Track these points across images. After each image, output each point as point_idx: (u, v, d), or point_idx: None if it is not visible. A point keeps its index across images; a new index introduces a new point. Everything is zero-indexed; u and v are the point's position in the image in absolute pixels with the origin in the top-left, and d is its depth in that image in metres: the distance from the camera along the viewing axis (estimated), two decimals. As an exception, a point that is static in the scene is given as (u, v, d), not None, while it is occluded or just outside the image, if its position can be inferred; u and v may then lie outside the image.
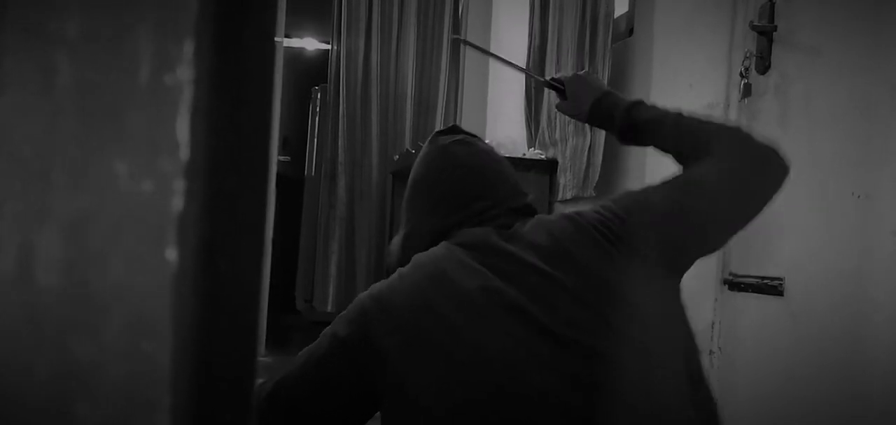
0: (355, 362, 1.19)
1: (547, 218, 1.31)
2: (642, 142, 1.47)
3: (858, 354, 1.84)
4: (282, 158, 5.29)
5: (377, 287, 1.24)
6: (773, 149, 1.37)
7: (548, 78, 1.66)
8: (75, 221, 0.32)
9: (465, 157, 1.37)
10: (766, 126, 2.18)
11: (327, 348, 1.22)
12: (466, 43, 1.87)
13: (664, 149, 1.42)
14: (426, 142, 1.43)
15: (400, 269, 1.25)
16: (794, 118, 2.08)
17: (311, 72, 6.23)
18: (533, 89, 3.73)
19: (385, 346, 1.16)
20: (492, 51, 1.84)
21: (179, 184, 0.32)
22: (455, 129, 1.43)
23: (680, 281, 1.28)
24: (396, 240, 1.41)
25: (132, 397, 0.33)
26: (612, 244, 1.22)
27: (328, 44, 4.90)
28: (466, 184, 1.34)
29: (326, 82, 4.91)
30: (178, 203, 0.32)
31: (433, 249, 1.27)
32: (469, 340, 1.13)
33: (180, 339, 0.34)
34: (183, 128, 0.32)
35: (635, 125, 1.46)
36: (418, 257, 1.26)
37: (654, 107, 1.47)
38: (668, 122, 1.42)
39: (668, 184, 1.32)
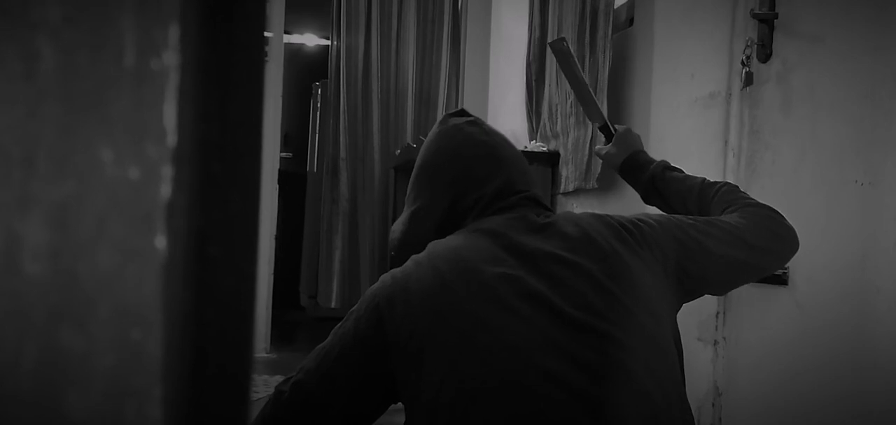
0: (371, 355, 1.18)
1: (574, 213, 1.32)
2: (667, 206, 1.56)
3: (863, 342, 1.83)
4: (284, 155, 5.28)
5: (389, 277, 1.23)
6: (790, 226, 1.45)
7: (608, 120, 1.76)
8: (61, 209, 0.31)
9: (480, 136, 1.36)
10: (768, 114, 2.17)
11: (342, 345, 1.20)
12: (561, 50, 1.86)
13: (687, 211, 1.49)
14: (437, 124, 1.41)
15: (415, 257, 1.24)
16: (797, 106, 2.07)
17: (312, 67, 6.23)
18: (533, 81, 3.72)
19: (400, 337, 1.15)
20: (561, 73, 1.86)
21: (167, 171, 0.31)
22: (465, 112, 1.42)
23: (679, 307, 1.31)
24: (401, 218, 1.39)
25: (122, 387, 0.33)
26: (637, 243, 1.25)
27: (328, 39, 4.90)
28: (482, 164, 1.33)
29: (327, 78, 4.91)
30: (166, 190, 0.32)
31: (451, 237, 1.26)
32: (485, 327, 1.13)
33: (171, 328, 0.34)
34: (169, 114, 0.31)
35: (661, 192, 1.58)
36: (435, 245, 1.25)
37: (679, 177, 1.58)
38: (693, 191, 1.53)
39: (698, 219, 1.39)
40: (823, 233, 1.95)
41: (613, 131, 1.71)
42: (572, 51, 1.87)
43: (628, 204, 2.84)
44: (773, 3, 2.12)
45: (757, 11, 2.13)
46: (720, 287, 1.48)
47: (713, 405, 2.32)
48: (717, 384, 2.31)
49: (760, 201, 1.48)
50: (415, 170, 1.40)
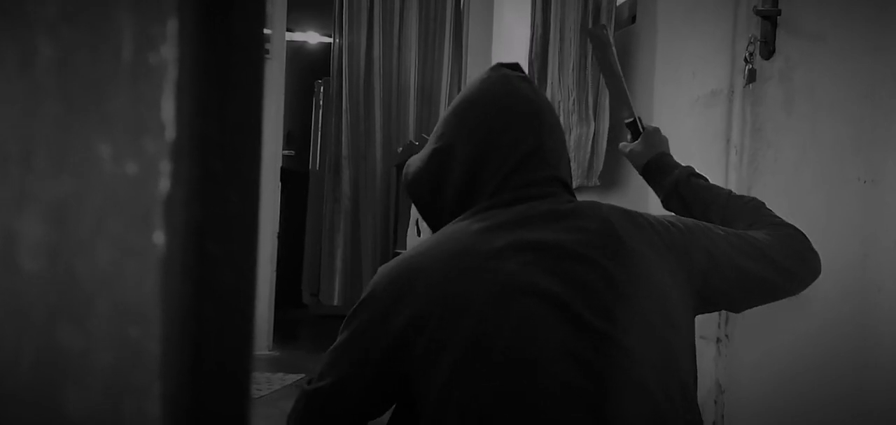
0: (379, 354, 1.15)
1: (601, 205, 1.25)
2: (687, 213, 1.50)
3: (864, 340, 1.83)
4: (286, 152, 5.28)
5: (393, 270, 1.17)
6: (815, 250, 1.41)
7: (638, 117, 1.69)
8: (59, 206, 0.31)
9: (528, 93, 1.26)
10: (770, 112, 2.16)
11: (348, 346, 1.18)
12: (599, 37, 1.77)
13: (707, 220, 1.42)
14: (486, 70, 1.32)
15: (419, 246, 1.19)
16: (799, 103, 2.07)
17: (314, 65, 6.23)
18: (535, 79, 3.72)
19: (407, 334, 1.12)
20: (604, 63, 1.77)
21: (165, 166, 0.31)
22: (518, 66, 1.33)
23: (695, 315, 1.26)
24: (420, 155, 1.31)
25: (121, 385, 0.33)
26: (666, 246, 1.20)
27: (331, 37, 4.90)
28: (522, 121, 1.24)
29: (329, 76, 4.91)
30: (164, 185, 0.32)
31: (461, 225, 1.19)
32: (496, 328, 1.09)
33: (170, 325, 0.33)
34: (168, 109, 0.31)
35: (684, 198, 1.52)
36: (443, 234, 1.18)
37: (705, 185, 1.53)
38: (718, 201, 1.48)
39: (729, 231, 1.33)
40: (825, 231, 1.95)
41: (641, 129, 1.65)
42: (611, 40, 1.78)
43: (630, 202, 2.84)
44: (776, 0, 2.12)
45: (759, 8, 2.13)
46: (740, 303, 1.41)
47: (715, 402, 2.32)
48: (719, 382, 2.31)
49: (786, 220, 1.42)
50: (449, 107, 1.31)
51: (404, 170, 1.34)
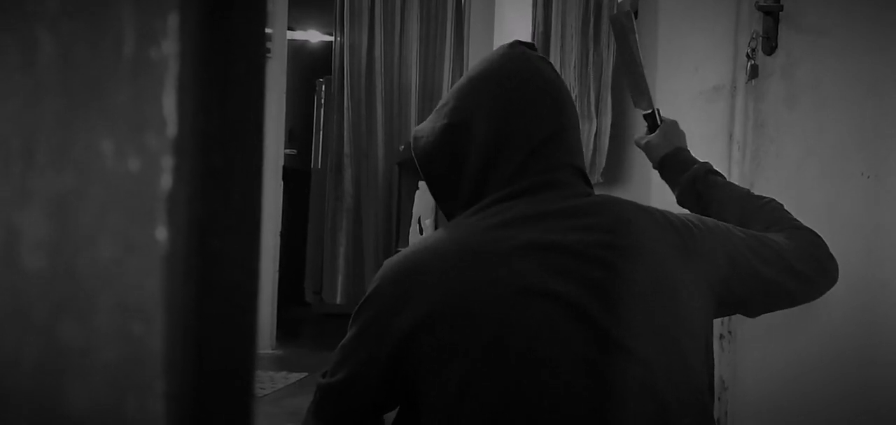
0: (386, 353, 1.12)
1: (620, 202, 1.20)
2: (703, 211, 1.45)
3: (869, 337, 1.82)
4: (288, 151, 5.28)
5: (399, 268, 1.14)
6: (834, 257, 1.38)
7: (656, 109, 1.62)
8: (60, 202, 0.31)
9: (549, 74, 1.20)
10: (773, 107, 2.16)
11: (355, 345, 1.15)
12: (622, 24, 1.68)
13: (724, 219, 1.37)
14: (503, 46, 1.26)
15: (426, 241, 1.15)
16: (802, 99, 2.07)
17: (315, 64, 6.23)
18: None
19: (414, 335, 1.09)
20: (627, 53, 1.66)
21: (167, 163, 0.31)
22: (534, 46, 1.26)
23: (712, 319, 1.23)
24: (431, 127, 1.24)
25: (123, 381, 0.33)
26: (686, 248, 1.17)
27: (332, 36, 4.90)
28: (542, 101, 1.18)
29: (331, 74, 4.91)
30: (166, 181, 0.31)
31: (473, 221, 1.14)
32: (507, 329, 1.06)
33: (172, 322, 0.33)
34: (169, 104, 0.31)
35: (700, 196, 1.47)
36: (452, 230, 1.14)
37: (722, 183, 1.48)
38: (735, 201, 1.43)
39: (748, 234, 1.29)
40: (828, 226, 1.95)
41: (659, 122, 1.59)
42: (635, 26, 1.69)
43: (632, 199, 2.83)
44: (778, -4, 2.11)
45: (762, 3, 2.12)
46: (757, 310, 1.37)
47: (719, 399, 2.31)
48: (723, 378, 2.31)
49: (804, 224, 1.38)
50: (462, 79, 1.23)
51: (414, 141, 1.28)
